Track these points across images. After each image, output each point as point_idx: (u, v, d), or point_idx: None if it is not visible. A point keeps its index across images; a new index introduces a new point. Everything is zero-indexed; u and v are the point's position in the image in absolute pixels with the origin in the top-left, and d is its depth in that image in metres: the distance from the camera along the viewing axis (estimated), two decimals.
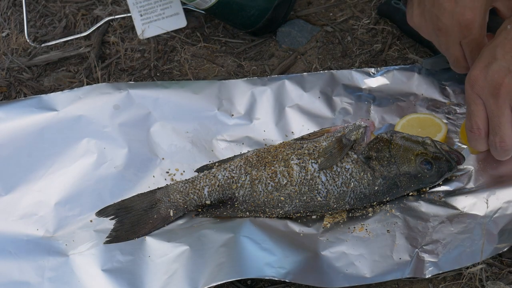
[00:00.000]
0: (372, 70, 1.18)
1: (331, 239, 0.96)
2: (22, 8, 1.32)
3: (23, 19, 1.32)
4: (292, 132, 1.12)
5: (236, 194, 1.00)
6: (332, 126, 1.05)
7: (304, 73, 1.18)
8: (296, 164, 0.99)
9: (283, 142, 1.05)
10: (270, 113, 1.14)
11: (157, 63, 1.24)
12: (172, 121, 1.12)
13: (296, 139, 1.04)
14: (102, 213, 1.01)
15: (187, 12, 1.30)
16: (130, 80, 1.21)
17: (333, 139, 1.00)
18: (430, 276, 0.90)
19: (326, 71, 1.18)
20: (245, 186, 1.00)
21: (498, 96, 0.90)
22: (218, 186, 1.01)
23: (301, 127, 1.12)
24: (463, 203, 0.99)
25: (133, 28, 1.29)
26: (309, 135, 1.04)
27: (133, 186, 1.06)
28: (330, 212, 1.00)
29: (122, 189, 1.05)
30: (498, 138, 0.93)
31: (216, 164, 1.06)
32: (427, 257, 0.92)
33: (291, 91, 1.15)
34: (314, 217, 1.01)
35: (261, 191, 0.99)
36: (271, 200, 0.99)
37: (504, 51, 0.89)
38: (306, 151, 1.00)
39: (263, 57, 1.25)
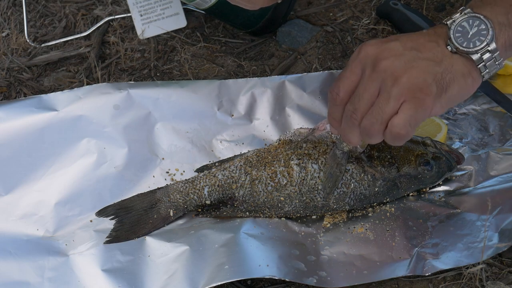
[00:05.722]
0: None
1: (331, 239, 0.96)
2: (22, 8, 1.32)
3: (23, 19, 1.32)
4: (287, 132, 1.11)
5: (236, 194, 1.00)
6: (319, 125, 1.03)
7: (304, 73, 1.18)
8: (296, 164, 0.99)
9: (283, 142, 1.05)
10: (270, 113, 1.14)
11: (157, 63, 1.24)
12: (172, 121, 1.12)
13: (291, 145, 1.02)
14: (102, 213, 1.01)
15: (187, 12, 1.30)
16: (130, 80, 1.21)
17: (328, 156, 0.99)
18: (429, 274, 0.90)
19: (326, 71, 1.18)
20: (245, 186, 1.00)
21: (375, 68, 0.86)
22: (218, 186, 1.01)
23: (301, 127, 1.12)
24: (463, 202, 0.99)
25: (133, 28, 1.29)
26: (294, 134, 1.03)
27: (133, 186, 1.06)
28: (330, 212, 1.00)
29: (122, 189, 1.05)
30: (352, 107, 0.88)
31: (216, 164, 1.06)
32: (427, 256, 0.92)
33: (291, 91, 1.16)
34: (314, 217, 1.01)
35: (261, 191, 0.99)
36: (271, 200, 0.99)
37: (406, 38, 0.87)
38: (306, 151, 1.00)
39: (263, 57, 1.25)
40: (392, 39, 0.87)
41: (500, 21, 0.85)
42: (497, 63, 0.86)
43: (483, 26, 0.85)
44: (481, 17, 0.85)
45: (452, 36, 0.85)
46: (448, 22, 0.86)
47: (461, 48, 0.84)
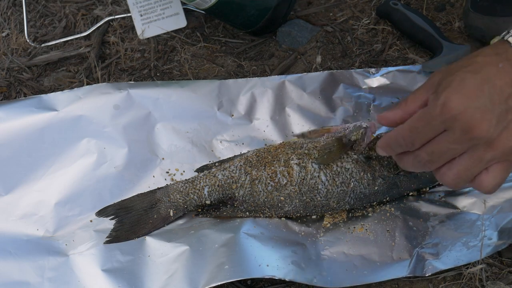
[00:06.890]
0: (372, 70, 1.18)
1: (331, 239, 0.97)
2: (22, 8, 1.32)
3: (23, 19, 1.32)
4: (292, 132, 1.12)
5: (236, 194, 1.00)
6: (332, 126, 1.04)
7: (304, 73, 1.18)
8: (296, 164, 0.99)
9: (283, 142, 1.05)
10: (270, 113, 1.14)
11: (157, 63, 1.24)
12: (172, 121, 1.12)
13: (298, 135, 1.04)
14: (102, 213, 1.01)
15: (187, 12, 1.30)
16: (130, 80, 1.21)
17: (333, 138, 1.00)
18: (430, 274, 0.90)
19: (326, 71, 1.18)
20: (245, 186, 1.00)
21: (467, 134, 0.79)
22: (218, 186, 1.01)
23: (301, 127, 1.12)
24: (463, 202, 0.99)
25: (133, 28, 1.29)
26: (309, 132, 1.04)
27: (133, 186, 1.06)
28: (330, 212, 1.00)
29: (122, 189, 1.05)
30: (427, 158, 0.84)
31: (216, 164, 1.06)
32: (427, 256, 0.92)
33: (291, 91, 1.16)
34: (314, 217, 1.01)
35: (261, 191, 0.99)
36: (271, 200, 0.99)
37: (491, 86, 0.78)
38: (306, 151, 1.00)
39: (263, 57, 1.25)
40: (475, 92, 0.78)
41: None
42: None
43: None
44: None
45: None
46: None
47: None
